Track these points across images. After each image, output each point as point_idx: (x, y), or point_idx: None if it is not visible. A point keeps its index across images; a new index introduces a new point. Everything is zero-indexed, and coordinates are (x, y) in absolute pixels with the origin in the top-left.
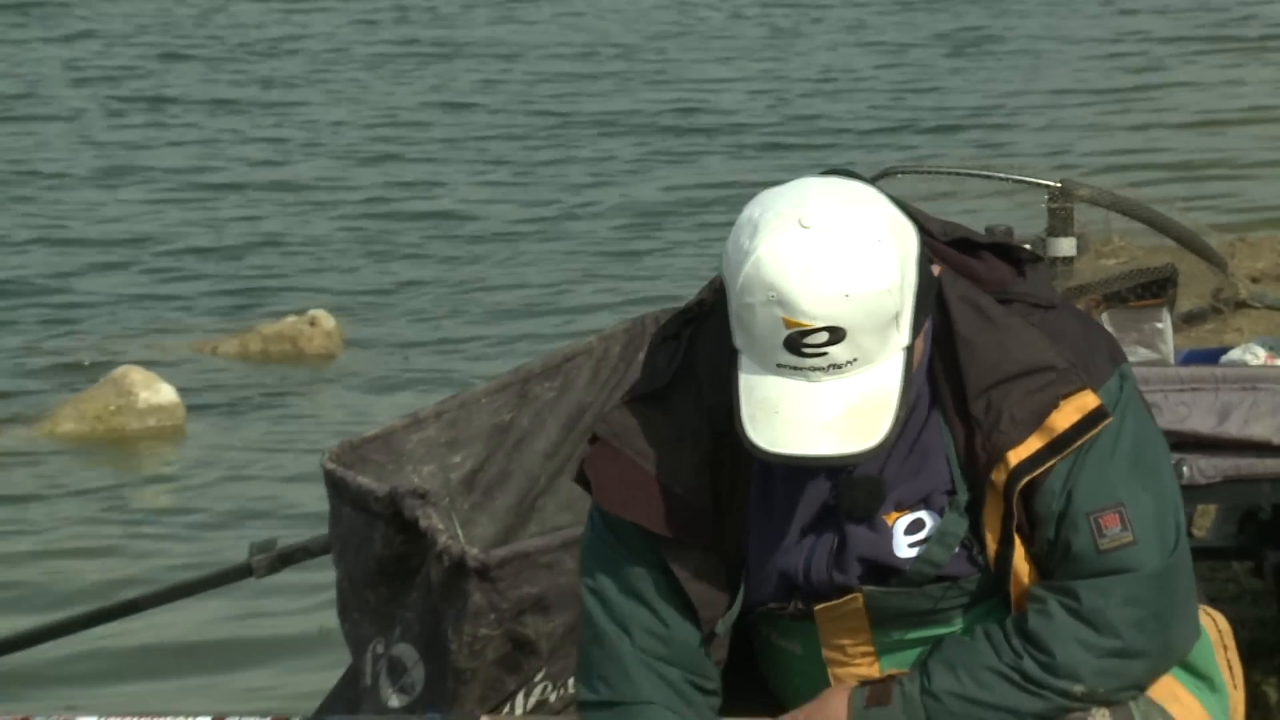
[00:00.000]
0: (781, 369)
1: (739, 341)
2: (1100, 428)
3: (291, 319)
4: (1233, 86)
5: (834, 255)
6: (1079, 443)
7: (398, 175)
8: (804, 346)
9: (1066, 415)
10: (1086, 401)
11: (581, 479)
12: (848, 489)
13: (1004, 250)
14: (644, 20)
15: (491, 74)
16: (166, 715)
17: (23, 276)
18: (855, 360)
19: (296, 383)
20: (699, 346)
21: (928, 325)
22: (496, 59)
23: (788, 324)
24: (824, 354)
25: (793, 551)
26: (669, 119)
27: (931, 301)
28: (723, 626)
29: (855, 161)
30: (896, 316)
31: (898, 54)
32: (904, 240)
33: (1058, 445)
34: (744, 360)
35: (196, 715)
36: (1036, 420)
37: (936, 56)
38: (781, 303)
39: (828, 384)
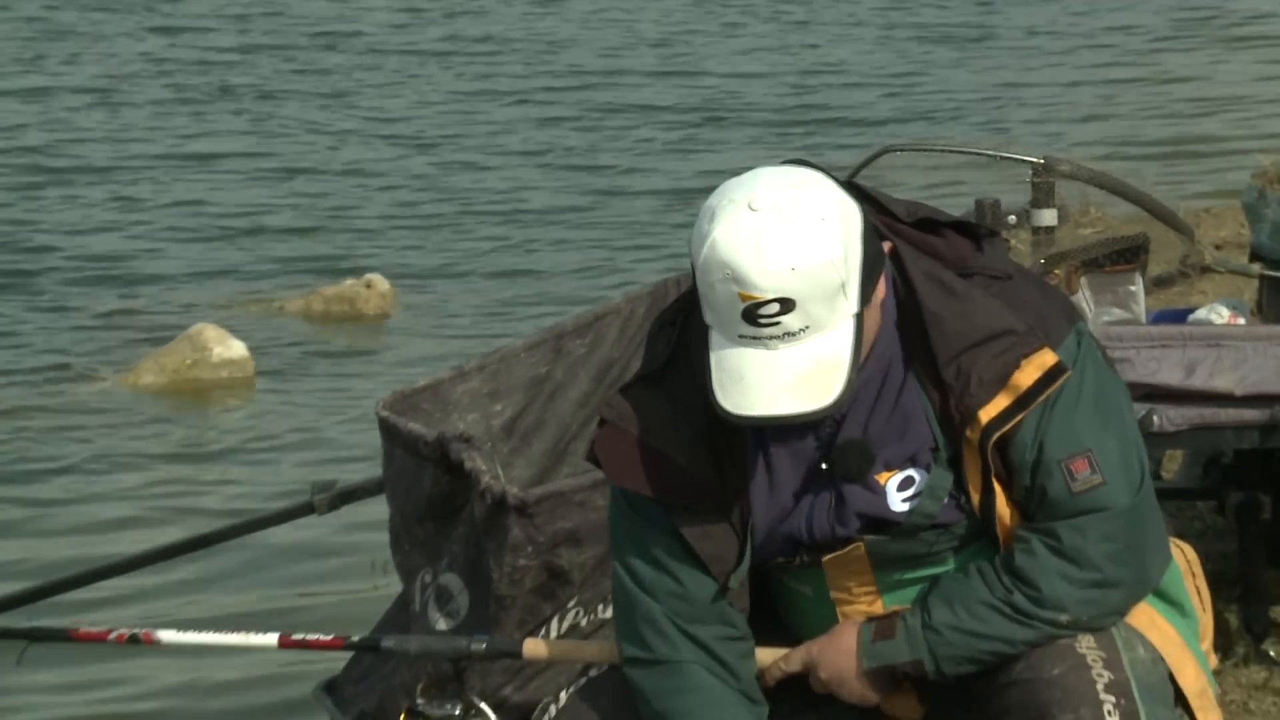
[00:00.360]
0: (744, 339)
1: (708, 318)
2: (1061, 381)
3: (350, 282)
4: (1208, 75)
5: (780, 233)
6: (1042, 397)
7: (448, 158)
8: (760, 318)
9: (1029, 373)
10: (1046, 359)
11: (592, 457)
12: (839, 454)
13: (964, 227)
14: (671, 16)
15: (533, 66)
16: (238, 632)
17: (109, 247)
18: (808, 328)
19: (354, 339)
20: (692, 330)
21: (886, 296)
22: (538, 52)
23: (743, 298)
24: (777, 323)
25: (794, 514)
26: (698, 108)
27: (879, 273)
28: (735, 581)
29: (871, 144)
30: (843, 286)
31: (903, 47)
32: (847, 218)
33: (1024, 401)
34: (713, 335)
35: (265, 632)
36: (1002, 380)
37: (939, 50)
38: (736, 279)
39: (785, 351)
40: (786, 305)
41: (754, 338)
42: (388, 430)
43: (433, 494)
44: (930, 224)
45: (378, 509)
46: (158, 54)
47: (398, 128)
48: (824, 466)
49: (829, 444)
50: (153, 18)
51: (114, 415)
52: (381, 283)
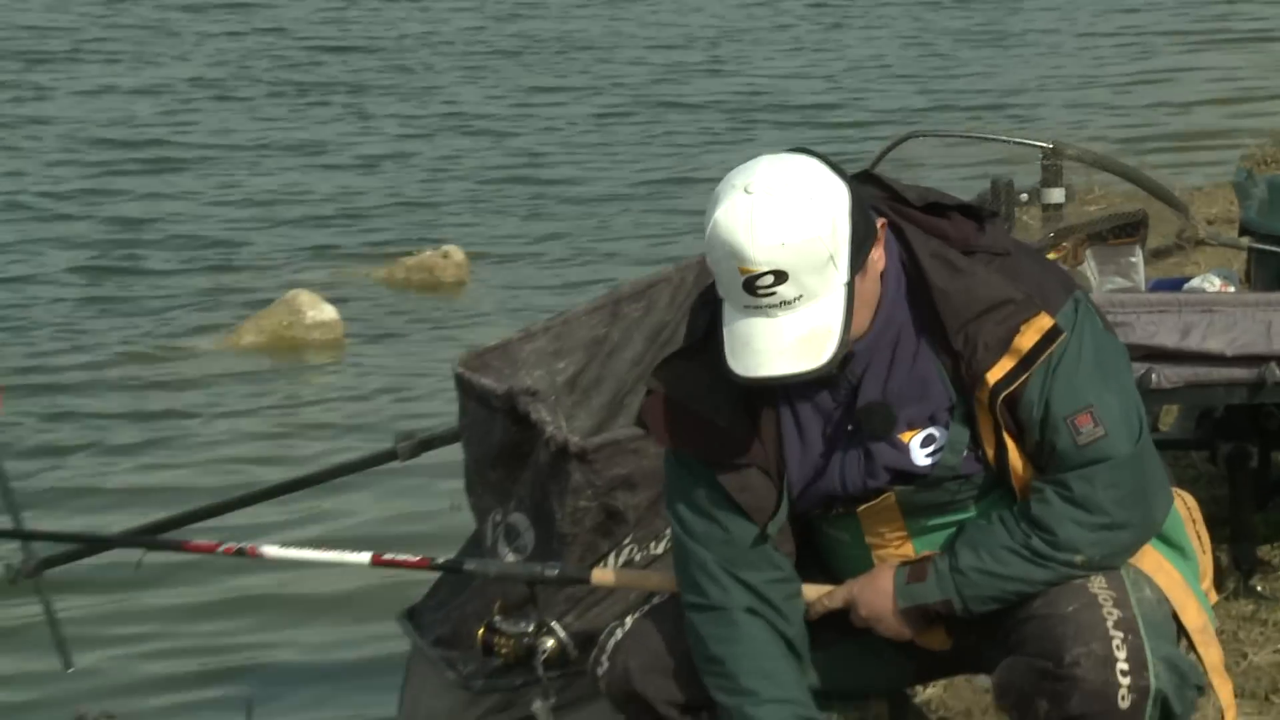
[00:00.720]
0: (748, 309)
1: (720, 292)
2: (1058, 342)
3: (429, 252)
4: (1211, 73)
5: (770, 212)
6: (1042, 357)
7: (519, 145)
8: (758, 289)
9: (1029, 337)
10: (1043, 323)
11: (640, 423)
12: (864, 415)
13: (968, 210)
14: (722, 19)
15: (597, 64)
16: (335, 550)
17: (216, 225)
18: (801, 297)
19: (432, 304)
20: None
21: (889, 269)
22: (602, 50)
23: (742, 271)
24: (774, 293)
25: (829, 471)
26: (746, 103)
27: (871, 246)
28: (774, 528)
29: (899, 134)
30: (831, 258)
31: (929, 45)
32: (834, 197)
33: (1026, 362)
34: (725, 307)
35: (359, 551)
36: (1005, 345)
37: (966, 48)
38: (735, 255)
39: (783, 318)
40: (780, 277)
41: (756, 307)
42: (463, 385)
43: (503, 442)
44: (938, 208)
45: (454, 455)
46: (259, 51)
47: (473, 119)
48: (850, 428)
49: (850, 406)
50: (255, 18)
51: (219, 371)
52: (457, 253)
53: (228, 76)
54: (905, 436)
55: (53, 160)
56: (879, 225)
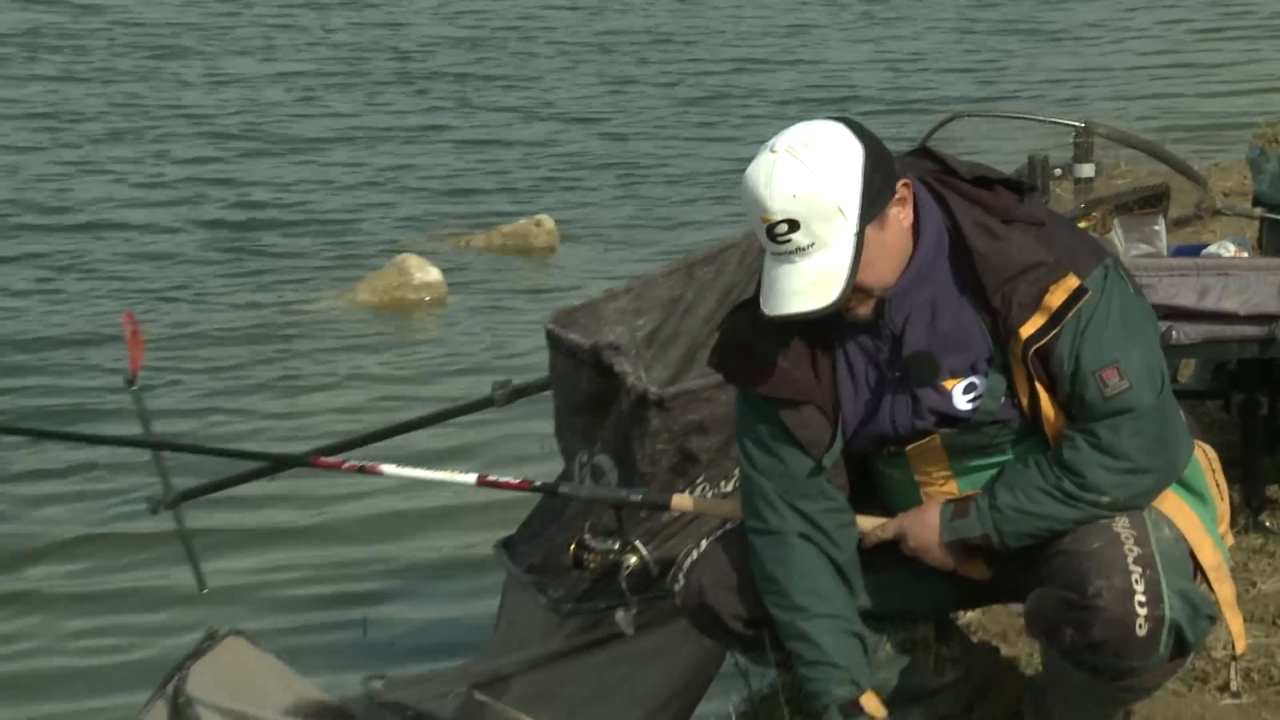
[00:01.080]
0: (774, 256)
1: (760, 243)
2: (1084, 300)
3: (523, 221)
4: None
5: (785, 168)
6: (1070, 314)
7: (605, 131)
8: (777, 236)
9: (1057, 296)
10: (1071, 283)
11: (713, 363)
12: (910, 364)
13: (1011, 183)
14: (792, 14)
15: (677, 55)
16: (444, 469)
17: (334, 198)
18: (814, 244)
19: (526, 267)
20: None
21: (936, 232)
22: (680, 44)
23: (763, 220)
24: (789, 240)
25: (880, 414)
26: (811, 91)
27: (886, 200)
28: (829, 460)
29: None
30: (840, 209)
31: (980, 39)
32: (846, 156)
33: (1055, 319)
34: (765, 256)
35: (467, 472)
36: (1036, 303)
37: (1013, 41)
38: (757, 204)
39: (800, 263)
40: (793, 225)
41: (778, 254)
42: (552, 340)
43: (588, 391)
44: (984, 181)
45: (544, 403)
46: (376, 45)
47: (564, 105)
48: (898, 375)
49: (897, 355)
50: (373, 14)
51: (336, 325)
52: (548, 222)
53: (347, 68)
54: (949, 384)
55: (192, 144)
56: (900, 185)
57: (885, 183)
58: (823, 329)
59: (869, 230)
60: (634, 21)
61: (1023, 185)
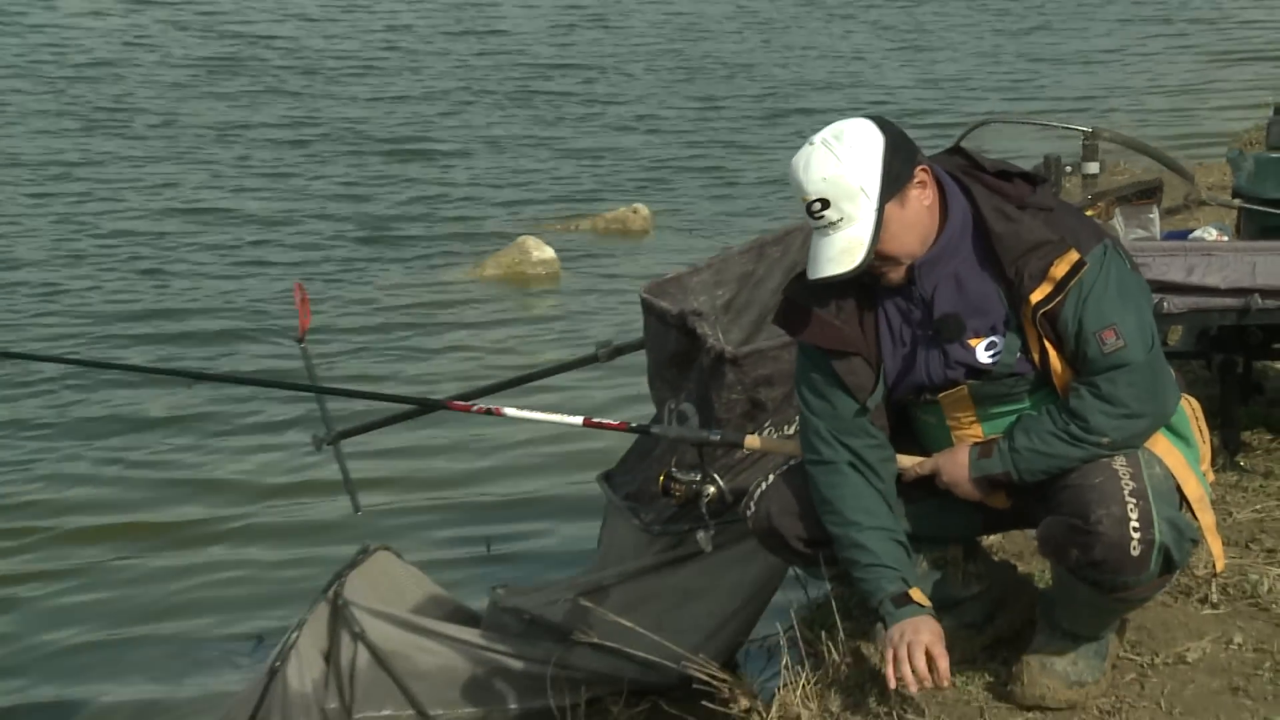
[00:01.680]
0: (814, 230)
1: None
2: (1083, 271)
3: (622, 209)
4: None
5: (819, 157)
6: (1071, 283)
7: (693, 140)
8: (813, 213)
9: (1061, 268)
10: (1072, 257)
11: (778, 320)
12: (941, 324)
13: (1027, 176)
14: (846, 41)
15: (748, 78)
16: (552, 413)
17: (464, 193)
18: (842, 219)
19: (625, 247)
20: None
21: (961, 216)
22: (747, 66)
23: (803, 200)
24: (823, 216)
25: (917, 367)
26: (865, 107)
27: (904, 182)
28: (872, 403)
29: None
30: (862, 189)
31: (1009, 63)
32: (868, 147)
33: (1060, 286)
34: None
35: (573, 415)
36: (1043, 274)
37: (1042, 65)
38: (798, 187)
39: (832, 235)
40: (825, 204)
41: (816, 228)
42: (646, 306)
43: (675, 350)
44: (1004, 174)
45: (639, 359)
46: (499, 67)
47: (657, 117)
48: (931, 333)
49: (929, 317)
50: (496, 40)
51: (469, 295)
52: (644, 209)
53: (476, 88)
54: (973, 342)
55: (351, 151)
56: (919, 170)
57: (904, 168)
58: (867, 293)
59: (890, 207)
60: (716, 47)
61: (1036, 178)
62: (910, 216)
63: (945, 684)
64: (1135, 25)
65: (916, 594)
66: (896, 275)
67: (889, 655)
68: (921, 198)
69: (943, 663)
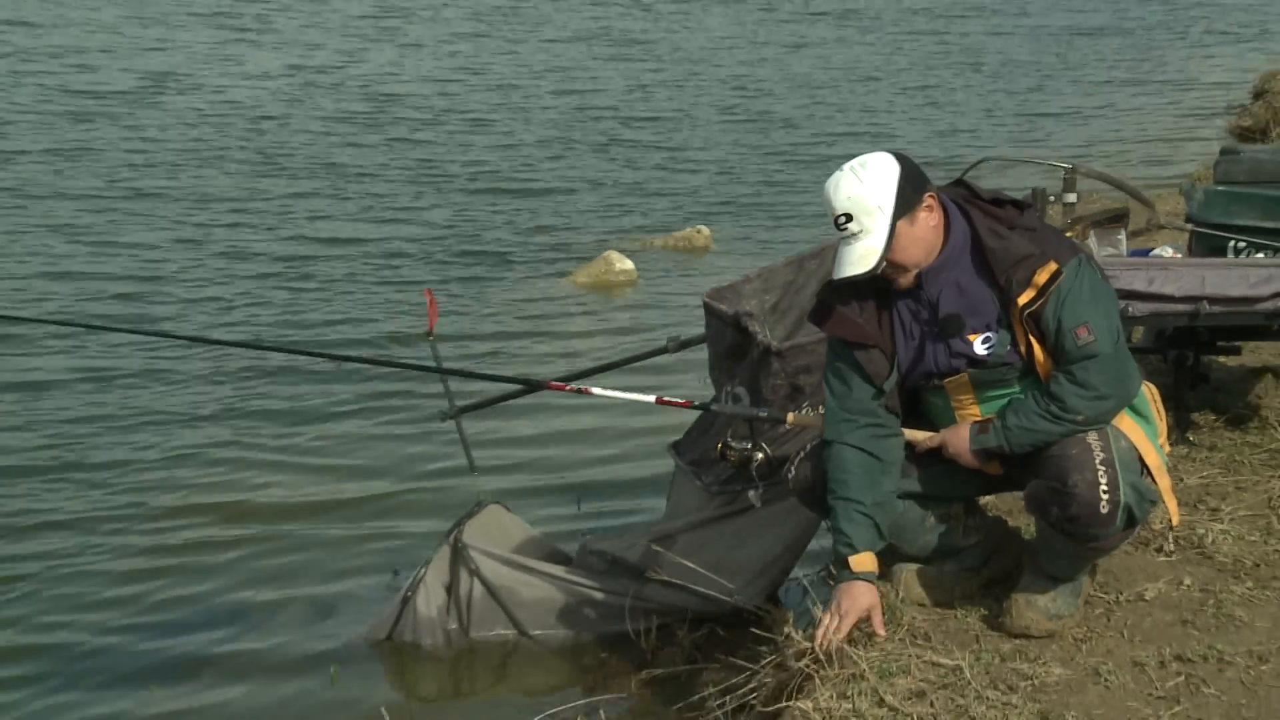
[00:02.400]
0: (840, 241)
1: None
2: (1060, 278)
3: (688, 230)
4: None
5: (846, 180)
6: (1051, 288)
7: (746, 167)
8: (839, 225)
9: (1042, 276)
10: (1051, 267)
11: (811, 318)
12: (944, 322)
13: (1016, 203)
14: (868, 96)
15: (800, 102)
16: (630, 392)
17: (558, 215)
18: (861, 231)
19: (690, 261)
20: None
21: (954, 228)
22: (800, 90)
23: (831, 214)
24: (846, 228)
25: (926, 358)
26: (904, 146)
27: (915, 204)
28: (887, 386)
29: (977, 158)
30: (879, 208)
31: (1007, 119)
32: (886, 175)
33: (1041, 291)
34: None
35: (648, 393)
36: (1028, 281)
37: (1043, 122)
38: (828, 204)
39: (854, 244)
40: (849, 217)
41: (841, 239)
42: (707, 308)
43: (731, 344)
44: (998, 201)
45: (701, 351)
46: (580, 110)
47: (719, 150)
48: (936, 330)
49: (934, 316)
50: (576, 83)
51: (561, 298)
52: (705, 230)
53: (568, 135)
54: (971, 337)
55: (464, 188)
56: (927, 196)
57: (915, 194)
58: (884, 296)
59: (901, 224)
60: (769, 104)
61: (1024, 204)
62: (918, 233)
63: (880, 633)
64: (1116, 87)
65: (862, 560)
66: (906, 280)
67: (822, 618)
68: (929, 219)
69: (839, 637)
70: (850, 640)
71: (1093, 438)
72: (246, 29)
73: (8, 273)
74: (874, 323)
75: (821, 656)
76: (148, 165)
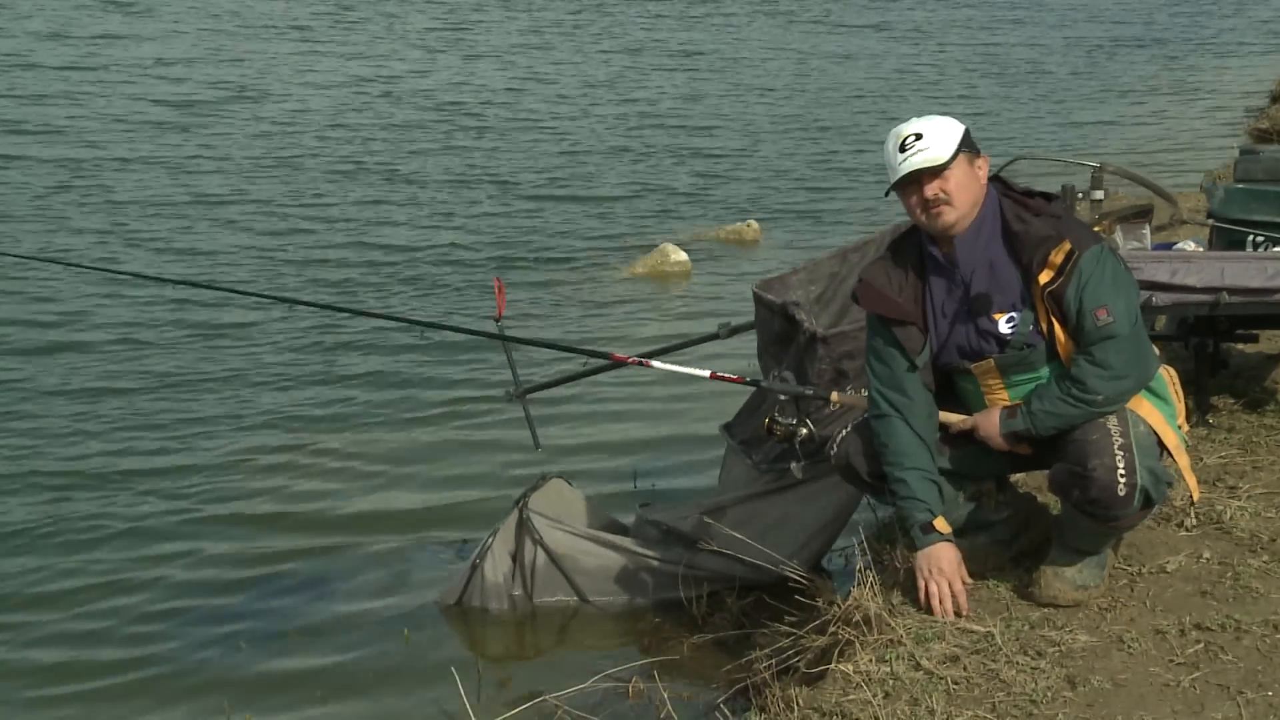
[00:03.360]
0: (905, 156)
1: (890, 175)
2: (1074, 259)
3: (739, 224)
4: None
5: (919, 119)
6: (1070, 269)
7: (793, 165)
8: (905, 146)
9: (1058, 256)
10: (1065, 248)
11: (853, 297)
12: (974, 301)
13: (1046, 195)
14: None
15: (839, 117)
16: (689, 367)
17: (620, 211)
18: (930, 147)
19: (740, 253)
20: (909, 238)
21: (993, 217)
22: (842, 112)
23: (897, 138)
24: (914, 146)
25: (954, 335)
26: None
27: (971, 154)
28: (920, 361)
29: (1013, 156)
30: (949, 135)
31: (1053, 131)
32: (956, 124)
33: (1059, 271)
34: (892, 177)
35: (703, 369)
36: (1045, 262)
37: (1071, 133)
38: (896, 136)
39: (920, 154)
40: (918, 136)
41: (904, 156)
42: (756, 298)
43: (778, 331)
44: (1028, 193)
45: (750, 337)
46: (641, 115)
47: (766, 150)
48: (967, 309)
49: (965, 296)
50: (637, 93)
51: (622, 288)
52: (755, 225)
53: (627, 140)
54: (997, 316)
55: (530, 189)
56: (982, 158)
57: (974, 148)
58: (921, 277)
59: (962, 157)
60: (821, 112)
61: (1051, 196)
62: (967, 178)
63: (965, 613)
64: (1145, 94)
65: (940, 523)
66: (945, 220)
67: (924, 588)
68: (980, 173)
69: (962, 598)
70: (890, 608)
71: (1112, 423)
72: (320, 40)
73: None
74: (910, 300)
75: (949, 620)
76: (219, 172)
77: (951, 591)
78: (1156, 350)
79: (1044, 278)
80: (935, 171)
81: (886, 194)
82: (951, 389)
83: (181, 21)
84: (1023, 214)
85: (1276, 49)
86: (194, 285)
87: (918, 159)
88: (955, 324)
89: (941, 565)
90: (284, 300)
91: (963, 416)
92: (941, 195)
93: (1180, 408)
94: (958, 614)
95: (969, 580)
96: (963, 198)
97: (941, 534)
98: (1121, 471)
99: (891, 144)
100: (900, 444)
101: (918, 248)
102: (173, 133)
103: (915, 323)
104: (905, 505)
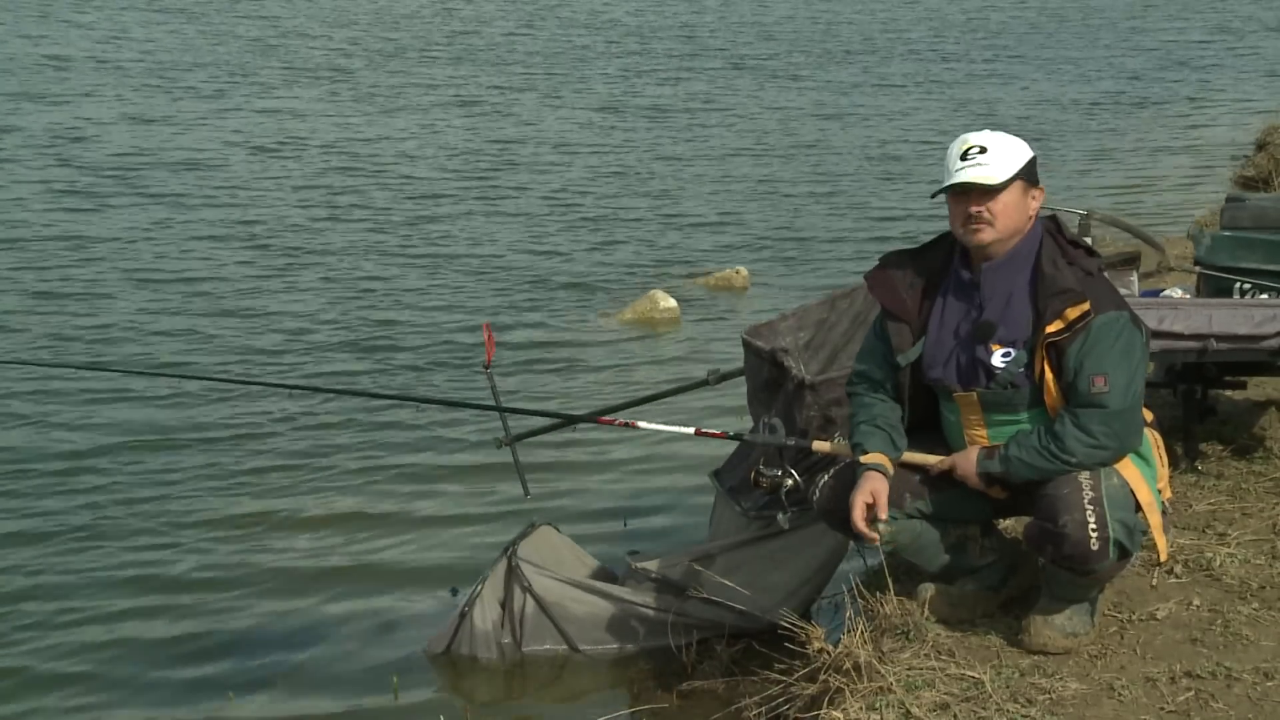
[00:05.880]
0: (960, 170)
1: (945, 177)
2: (1088, 320)
3: (728, 270)
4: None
5: (989, 132)
6: (1079, 327)
7: (780, 213)
8: (968, 156)
9: (1073, 313)
10: (1084, 307)
11: (866, 276)
12: (982, 326)
13: (1090, 250)
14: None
15: (825, 163)
16: (675, 425)
17: (609, 257)
18: (990, 163)
19: (729, 299)
20: (939, 244)
21: (1028, 255)
22: (828, 158)
23: (961, 146)
24: (976, 159)
25: (954, 358)
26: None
27: (1030, 182)
28: (902, 360)
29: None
30: (1013, 156)
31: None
32: (1024, 147)
33: (1069, 327)
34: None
35: (687, 426)
36: (1059, 314)
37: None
38: (961, 143)
39: (979, 168)
40: (983, 150)
41: (962, 166)
42: (745, 344)
43: (767, 378)
44: (1074, 243)
45: (739, 384)
46: (639, 162)
47: (746, 211)
48: (969, 330)
49: (977, 319)
50: (632, 137)
51: (609, 335)
52: (744, 270)
53: (613, 180)
54: (994, 347)
55: (518, 230)
56: (1039, 190)
57: (1034, 178)
58: (936, 285)
59: (1016, 184)
60: (810, 157)
61: (1094, 252)
62: (1019, 205)
63: (883, 516)
64: (1134, 140)
65: (875, 457)
66: (982, 237)
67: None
68: (1033, 205)
69: (879, 509)
70: (880, 655)
71: (1084, 476)
72: (340, 86)
73: (123, 319)
74: (915, 301)
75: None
76: (235, 221)
77: (872, 501)
78: (1148, 418)
79: (1052, 328)
80: (987, 190)
81: (934, 195)
82: (935, 419)
83: (209, 69)
84: (1058, 259)
85: (1262, 98)
86: (184, 378)
87: (973, 173)
88: (954, 341)
89: (866, 482)
90: (277, 386)
91: (943, 457)
92: (986, 215)
93: (1163, 471)
94: (871, 522)
95: (883, 515)
96: (1005, 223)
97: (868, 464)
98: (1093, 526)
99: (955, 148)
100: (867, 408)
101: (945, 260)
102: (194, 177)
103: (910, 323)
104: (854, 439)
